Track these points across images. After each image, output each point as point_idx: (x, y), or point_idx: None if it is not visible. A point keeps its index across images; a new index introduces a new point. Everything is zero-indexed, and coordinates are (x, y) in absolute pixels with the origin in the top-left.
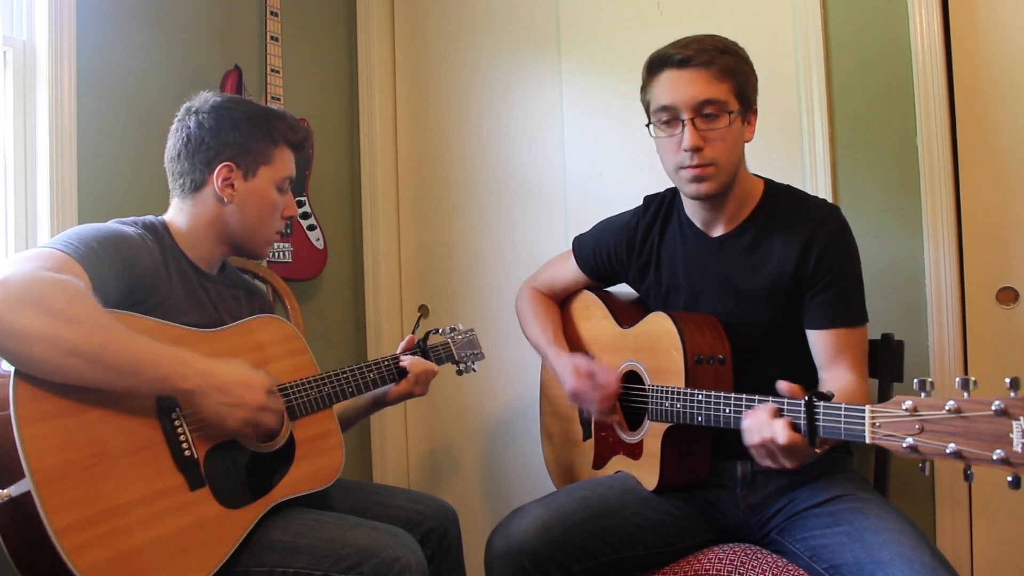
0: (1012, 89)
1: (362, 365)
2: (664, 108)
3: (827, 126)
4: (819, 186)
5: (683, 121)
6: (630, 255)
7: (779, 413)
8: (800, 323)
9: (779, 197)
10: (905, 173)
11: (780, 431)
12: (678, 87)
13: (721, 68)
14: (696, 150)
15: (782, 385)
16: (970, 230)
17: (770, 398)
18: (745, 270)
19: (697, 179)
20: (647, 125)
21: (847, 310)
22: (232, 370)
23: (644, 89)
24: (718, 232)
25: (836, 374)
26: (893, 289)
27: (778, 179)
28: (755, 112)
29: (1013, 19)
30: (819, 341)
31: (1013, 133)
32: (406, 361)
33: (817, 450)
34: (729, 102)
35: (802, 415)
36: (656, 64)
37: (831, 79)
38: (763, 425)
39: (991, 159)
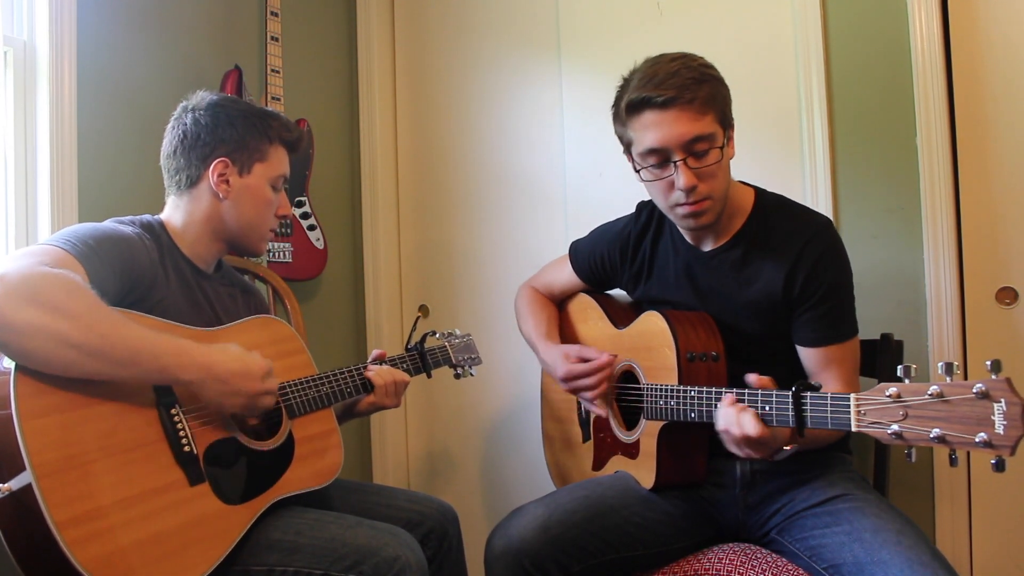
0: (1012, 89)
1: (361, 366)
2: (652, 151)
3: (827, 126)
4: (819, 186)
5: (674, 163)
6: (623, 263)
7: (740, 402)
8: (788, 331)
9: (769, 211)
10: (905, 173)
11: (748, 424)
12: (664, 129)
13: (703, 100)
14: (692, 189)
15: (751, 378)
16: (970, 230)
17: (759, 392)
18: (734, 286)
19: (694, 215)
20: (637, 171)
21: (834, 328)
22: (229, 358)
23: (621, 125)
24: (708, 246)
25: (824, 383)
26: (893, 289)
27: (778, 180)
28: (733, 126)
29: (1013, 19)
30: (807, 356)
31: (1013, 133)
32: (372, 372)
33: (786, 447)
34: (716, 134)
35: (789, 405)
36: (635, 106)
37: (831, 80)
38: (731, 417)
39: (991, 159)
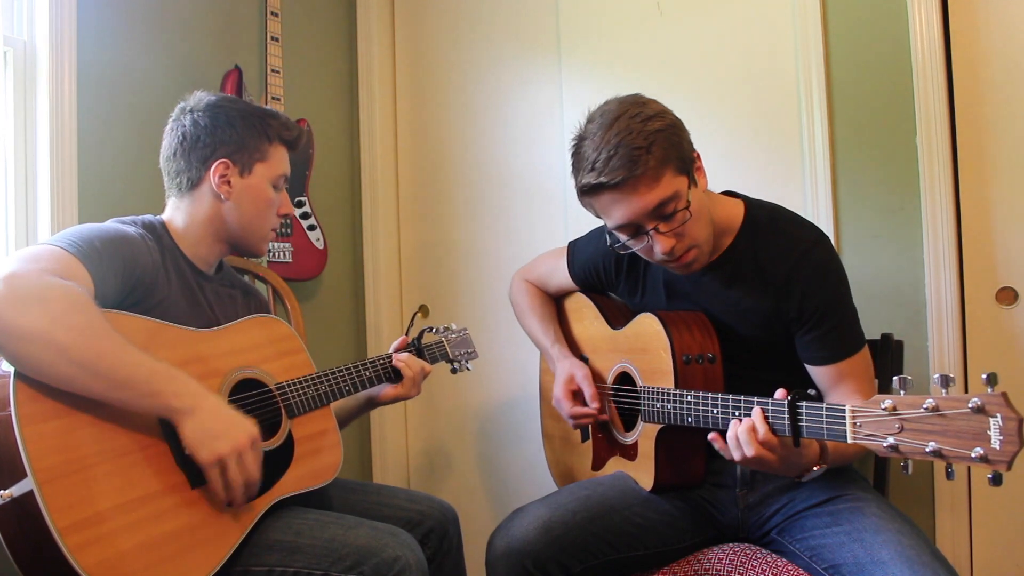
0: (1012, 89)
1: (358, 364)
2: (621, 227)
3: (827, 127)
4: (819, 187)
5: (647, 232)
6: (619, 274)
7: (752, 424)
8: (787, 341)
9: (759, 228)
10: (905, 173)
11: (760, 429)
12: (625, 206)
13: (656, 164)
14: (671, 251)
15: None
16: (970, 230)
17: (756, 398)
18: (725, 304)
19: (684, 266)
20: (611, 246)
21: (840, 345)
22: (225, 405)
23: (584, 203)
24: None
25: (837, 398)
26: (893, 289)
27: (778, 181)
28: (695, 158)
29: (1013, 19)
30: (817, 374)
31: (1013, 133)
32: (400, 362)
33: (815, 468)
34: (679, 191)
35: (785, 415)
36: (590, 190)
37: (831, 80)
38: (747, 443)
39: (991, 159)
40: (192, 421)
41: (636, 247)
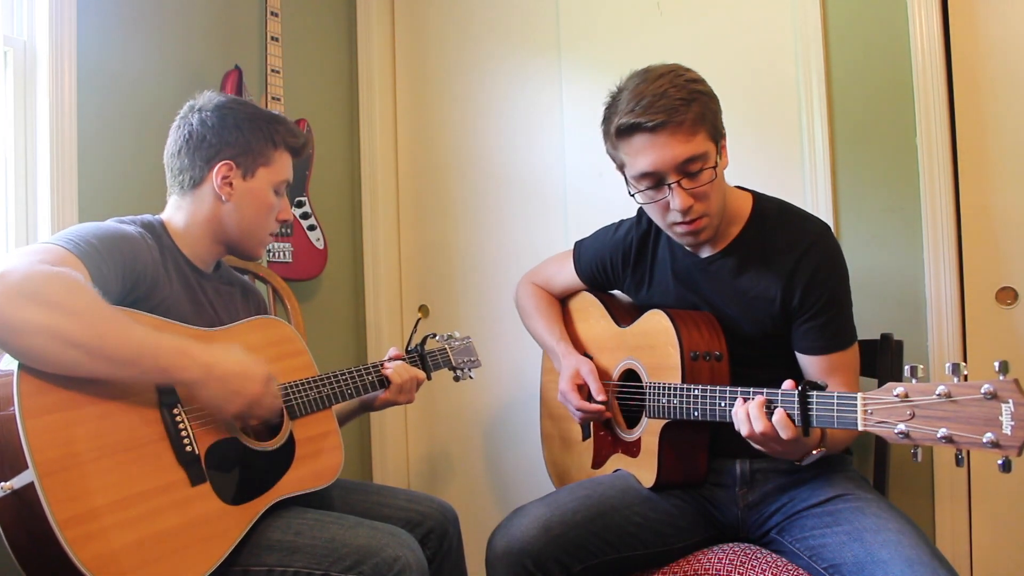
0: (1012, 89)
1: (360, 368)
2: (645, 175)
3: (827, 126)
4: (819, 187)
5: (668, 185)
6: (625, 269)
7: (770, 407)
8: (791, 335)
9: (767, 218)
10: (905, 173)
11: (780, 425)
12: (656, 152)
13: (693, 120)
14: (688, 210)
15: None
16: (969, 229)
17: (764, 390)
18: (731, 293)
19: (693, 233)
20: (632, 195)
21: (836, 337)
22: (231, 360)
23: (612, 147)
24: (706, 253)
25: None
26: (892, 289)
27: (778, 180)
28: (724, 136)
29: (1013, 19)
30: (809, 363)
31: (1013, 133)
32: (389, 369)
33: (814, 451)
34: (708, 152)
35: (796, 404)
36: (625, 131)
37: (831, 79)
38: (757, 418)
39: (991, 159)
40: (206, 390)
41: (652, 201)
